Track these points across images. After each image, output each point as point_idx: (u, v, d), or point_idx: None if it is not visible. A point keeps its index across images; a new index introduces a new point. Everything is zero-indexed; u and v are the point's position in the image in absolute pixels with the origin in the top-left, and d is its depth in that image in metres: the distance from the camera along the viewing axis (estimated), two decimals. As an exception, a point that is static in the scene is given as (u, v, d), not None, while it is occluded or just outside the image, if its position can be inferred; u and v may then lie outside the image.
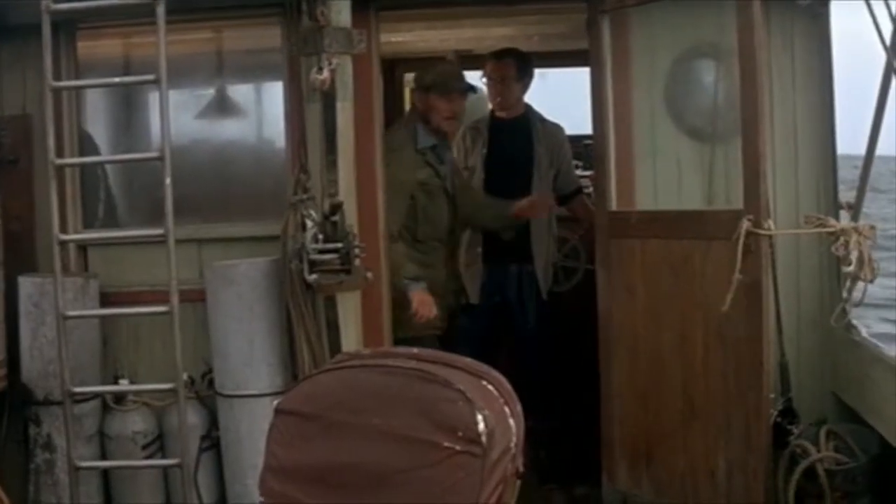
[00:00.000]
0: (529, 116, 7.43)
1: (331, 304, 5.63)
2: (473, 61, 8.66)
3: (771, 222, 5.41)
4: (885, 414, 5.32)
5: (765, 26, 5.79)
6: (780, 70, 6.21)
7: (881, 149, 6.03)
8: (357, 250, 5.54)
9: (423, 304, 6.27)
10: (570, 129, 8.55)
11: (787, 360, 5.75)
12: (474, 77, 7.61)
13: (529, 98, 7.37)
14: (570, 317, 6.60)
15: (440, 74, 6.60)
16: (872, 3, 5.87)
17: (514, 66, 7.26)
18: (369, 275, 5.74)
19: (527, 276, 7.26)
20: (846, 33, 6.43)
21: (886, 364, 5.43)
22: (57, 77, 5.75)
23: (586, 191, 7.73)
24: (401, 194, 6.44)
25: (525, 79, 7.33)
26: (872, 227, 5.78)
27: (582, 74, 6.95)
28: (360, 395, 2.69)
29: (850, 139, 6.42)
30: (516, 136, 7.35)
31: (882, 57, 5.75)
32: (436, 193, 6.58)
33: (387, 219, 6.29)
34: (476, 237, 7.26)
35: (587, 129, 6.79)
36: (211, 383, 6.19)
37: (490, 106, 7.62)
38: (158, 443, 6.35)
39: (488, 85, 7.40)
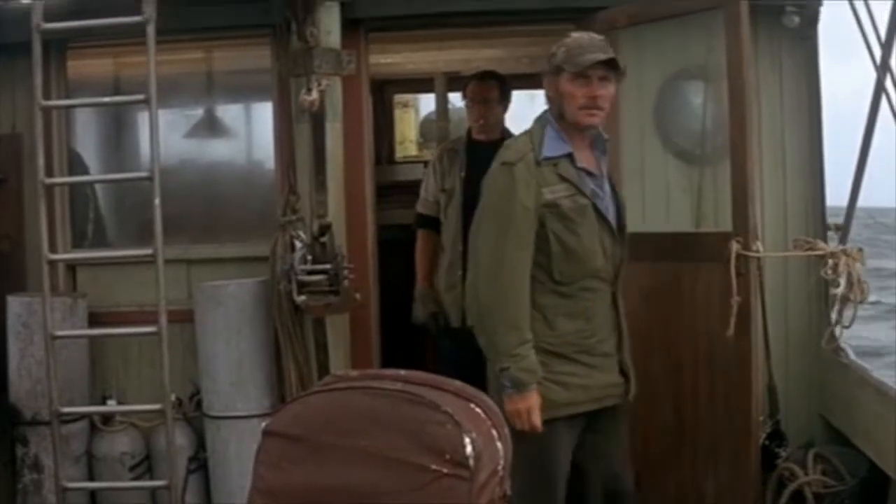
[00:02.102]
0: (506, 139, 7.19)
1: (319, 325, 5.63)
2: (462, 83, 8.68)
3: (759, 244, 5.42)
4: (873, 437, 5.32)
5: (753, 48, 5.83)
6: (769, 91, 6.25)
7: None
8: (346, 272, 5.54)
9: (519, 414, 4.59)
10: (559, 151, 8.55)
11: (775, 382, 5.76)
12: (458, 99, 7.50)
13: (518, 118, 7.29)
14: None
15: (572, 47, 4.81)
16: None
17: (496, 89, 7.00)
18: (358, 296, 5.74)
19: None
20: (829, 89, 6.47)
21: (874, 387, 5.43)
22: (47, 96, 5.75)
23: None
24: (520, 224, 4.73)
25: (505, 101, 7.10)
26: (860, 250, 5.80)
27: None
28: (348, 417, 2.68)
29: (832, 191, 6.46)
30: (493, 159, 7.08)
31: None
32: (576, 217, 4.74)
33: (492, 263, 4.69)
34: (456, 258, 6.75)
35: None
36: (199, 404, 6.19)
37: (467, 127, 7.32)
38: (146, 464, 6.34)
39: (470, 107, 7.08)
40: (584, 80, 4.69)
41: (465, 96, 7.14)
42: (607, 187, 4.85)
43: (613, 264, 4.80)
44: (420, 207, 7.03)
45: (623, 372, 4.89)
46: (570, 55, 4.75)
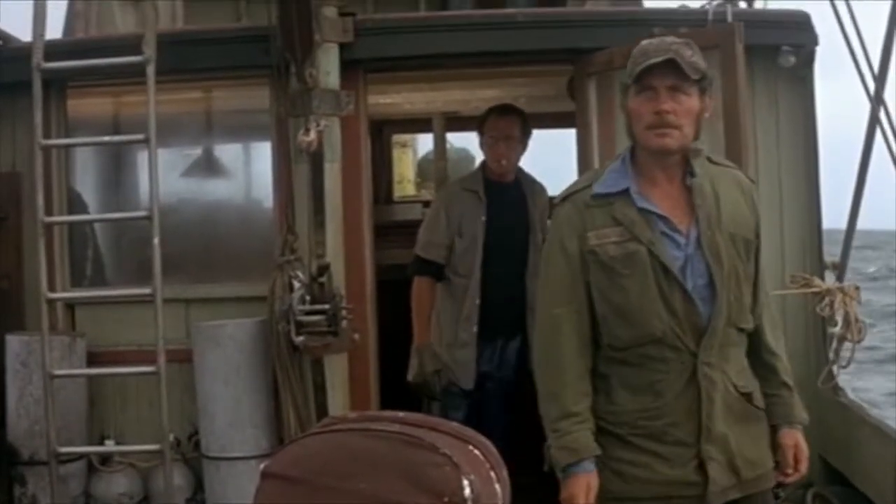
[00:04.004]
0: (522, 179, 6.58)
1: (318, 365, 5.62)
2: (460, 123, 8.71)
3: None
4: (872, 477, 5.31)
5: (749, 87, 5.86)
6: (765, 130, 6.27)
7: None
8: (344, 312, 5.53)
9: (572, 499, 3.89)
10: (557, 190, 8.55)
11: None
12: (462, 139, 7.39)
13: None
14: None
15: (636, 55, 3.87)
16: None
17: (518, 125, 6.40)
18: (356, 336, 5.72)
19: (514, 351, 6.45)
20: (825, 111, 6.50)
21: (873, 427, 5.43)
22: (47, 135, 5.78)
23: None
24: (562, 276, 3.97)
25: (526, 139, 6.49)
26: (857, 288, 5.82)
27: (568, 135, 6.98)
28: (346, 459, 2.67)
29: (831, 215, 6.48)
30: (513, 201, 6.47)
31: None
32: (621, 267, 3.86)
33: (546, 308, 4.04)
34: (473, 311, 6.27)
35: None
36: (197, 445, 6.16)
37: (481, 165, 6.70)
38: (144, 505, 6.32)
39: (490, 145, 6.39)
40: (651, 93, 3.81)
41: (481, 133, 6.49)
42: (693, 234, 3.86)
43: (693, 328, 3.83)
44: (423, 252, 6.39)
45: (703, 466, 3.85)
46: (632, 65, 3.85)
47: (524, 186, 6.56)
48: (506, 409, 6.46)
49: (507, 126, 6.38)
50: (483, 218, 6.33)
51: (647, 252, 3.81)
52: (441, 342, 6.32)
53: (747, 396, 3.93)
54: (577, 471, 3.85)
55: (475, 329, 6.26)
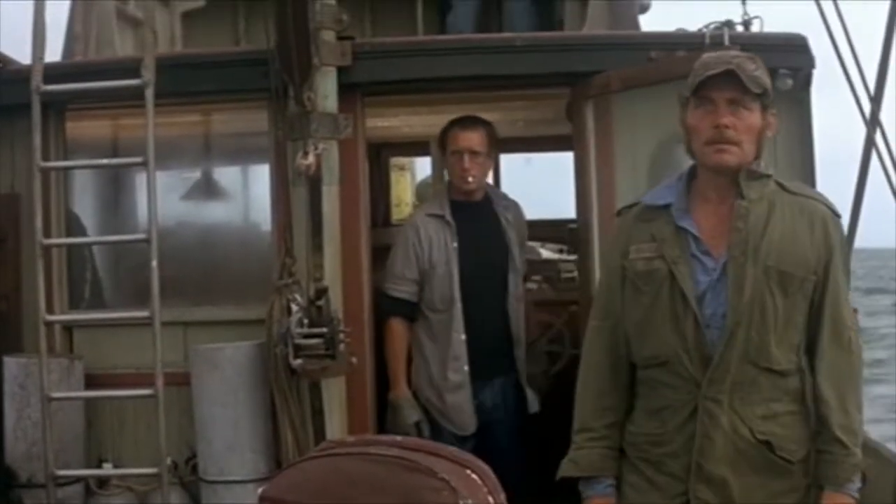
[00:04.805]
0: (492, 197, 6.30)
1: (315, 389, 5.61)
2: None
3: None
4: (871, 499, 5.30)
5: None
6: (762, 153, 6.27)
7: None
8: (342, 335, 5.52)
9: None
10: (555, 213, 8.58)
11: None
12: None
13: (513, 182, 7.05)
14: (554, 403, 6.50)
15: (696, 68, 3.75)
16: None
17: (484, 137, 6.08)
18: (354, 360, 5.70)
19: (511, 388, 6.16)
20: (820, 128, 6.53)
21: (872, 449, 5.42)
22: (45, 157, 5.78)
23: (568, 275, 7.71)
24: (603, 289, 4.03)
25: (494, 153, 6.26)
26: (855, 310, 5.80)
27: (566, 158, 6.99)
28: (344, 483, 2.68)
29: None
30: (485, 222, 6.18)
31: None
32: (641, 283, 3.80)
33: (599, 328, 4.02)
34: (461, 350, 5.97)
35: (571, 212, 6.82)
36: (195, 468, 6.13)
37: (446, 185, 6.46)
38: (142, 528, 6.30)
39: (455, 161, 6.10)
40: (710, 106, 3.69)
41: (443, 147, 6.23)
42: (724, 259, 3.71)
43: (701, 358, 3.67)
44: (393, 289, 6.12)
45: None
46: (692, 77, 3.73)
47: (495, 204, 6.29)
48: (515, 450, 6.06)
49: (471, 140, 6.09)
50: (454, 244, 6.05)
51: (668, 272, 3.71)
52: (430, 386, 6.07)
53: (767, 445, 3.71)
54: (591, 494, 3.87)
55: (466, 368, 5.96)
